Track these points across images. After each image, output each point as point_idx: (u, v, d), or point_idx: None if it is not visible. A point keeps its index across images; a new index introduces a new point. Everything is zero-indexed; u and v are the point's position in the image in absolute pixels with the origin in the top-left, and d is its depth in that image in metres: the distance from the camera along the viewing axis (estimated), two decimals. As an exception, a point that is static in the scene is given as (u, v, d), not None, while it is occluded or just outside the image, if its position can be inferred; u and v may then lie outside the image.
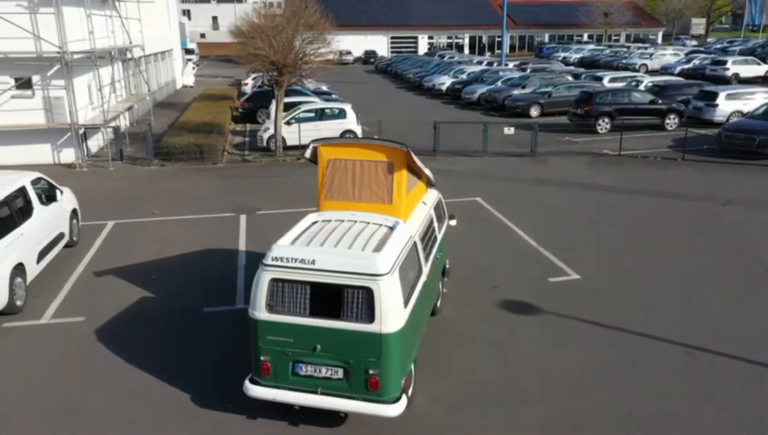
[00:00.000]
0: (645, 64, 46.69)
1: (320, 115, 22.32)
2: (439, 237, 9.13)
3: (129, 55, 25.82)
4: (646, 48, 55.96)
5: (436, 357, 8.46)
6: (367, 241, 6.94)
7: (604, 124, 24.26)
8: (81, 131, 19.70)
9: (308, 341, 6.56)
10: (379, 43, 72.41)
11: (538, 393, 7.73)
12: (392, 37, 73.60)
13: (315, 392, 6.65)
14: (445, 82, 38.04)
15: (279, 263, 6.61)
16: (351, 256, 6.56)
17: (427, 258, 8.05)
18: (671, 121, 24.73)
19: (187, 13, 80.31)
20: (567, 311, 9.77)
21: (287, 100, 24.52)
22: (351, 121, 22.14)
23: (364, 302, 6.39)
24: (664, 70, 42.83)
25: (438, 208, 9.45)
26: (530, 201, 15.74)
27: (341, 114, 22.26)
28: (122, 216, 14.63)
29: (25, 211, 10.29)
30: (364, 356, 6.45)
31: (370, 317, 6.37)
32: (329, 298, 6.52)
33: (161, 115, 29.19)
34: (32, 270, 10.20)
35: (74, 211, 12.54)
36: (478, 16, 76.12)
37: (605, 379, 8.00)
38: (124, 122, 24.08)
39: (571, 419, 7.20)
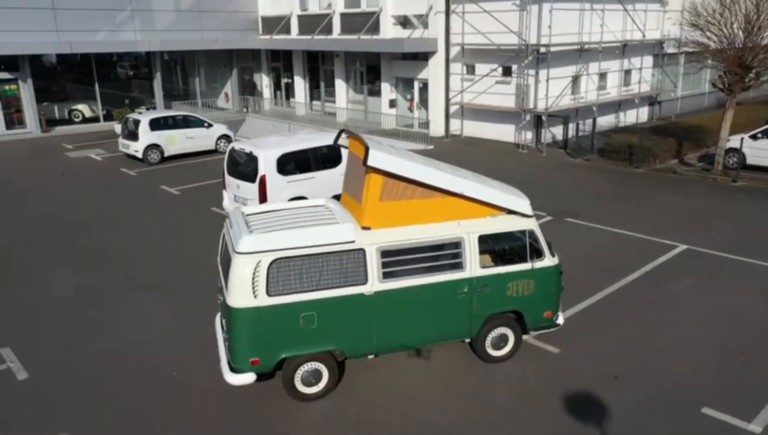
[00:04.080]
0: None
1: (803, 132, 16.86)
2: (482, 271, 7.55)
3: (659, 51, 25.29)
4: None
5: (396, 391, 7.57)
6: (282, 226, 7.25)
7: None
8: (527, 117, 21.59)
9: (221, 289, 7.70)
10: None
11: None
12: None
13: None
14: None
15: (227, 219, 7.91)
16: (241, 229, 7.19)
17: (391, 275, 7.22)
18: None
19: None
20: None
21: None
22: None
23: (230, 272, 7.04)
24: None
25: (499, 238, 7.70)
26: None
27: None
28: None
29: (331, 163, 13.72)
30: (227, 319, 7.17)
31: (227, 287, 7.01)
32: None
33: (687, 116, 27.10)
34: (320, 206, 13.68)
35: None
36: None
37: None
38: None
39: None
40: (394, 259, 7.30)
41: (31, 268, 11.56)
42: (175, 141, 20.11)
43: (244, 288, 6.83)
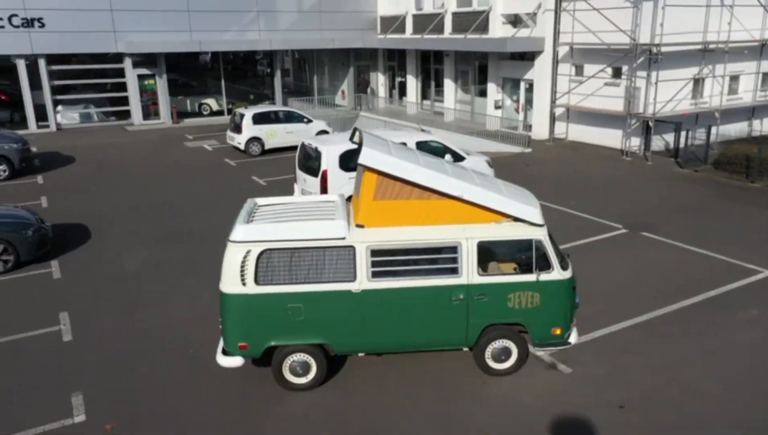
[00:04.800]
0: None
1: None
2: (480, 279, 7.25)
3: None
4: None
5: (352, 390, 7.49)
6: (280, 218, 7.46)
7: None
8: (634, 122, 19.99)
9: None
10: None
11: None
12: None
13: None
14: None
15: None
16: (240, 219, 7.46)
17: (380, 275, 7.16)
18: None
19: None
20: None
21: None
22: None
23: (227, 259, 7.37)
24: None
25: (502, 246, 7.35)
26: None
27: None
28: (549, 198, 15.54)
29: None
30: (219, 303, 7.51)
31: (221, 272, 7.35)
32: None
33: None
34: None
35: (477, 178, 14.89)
36: None
37: None
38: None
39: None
40: (385, 259, 7.23)
41: (117, 241, 12.85)
42: (275, 135, 21.21)
43: (234, 275, 7.13)
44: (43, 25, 24.92)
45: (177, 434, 6.81)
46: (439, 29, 27.10)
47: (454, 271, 7.31)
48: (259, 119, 21.15)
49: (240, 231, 7.16)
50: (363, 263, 7.19)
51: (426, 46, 27.58)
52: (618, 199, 15.33)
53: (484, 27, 24.78)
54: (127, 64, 27.08)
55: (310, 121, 22.22)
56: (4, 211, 11.92)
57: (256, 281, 7.13)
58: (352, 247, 7.19)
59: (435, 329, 7.49)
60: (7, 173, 18.07)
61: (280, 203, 8.27)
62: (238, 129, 21.16)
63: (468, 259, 7.29)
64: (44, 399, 7.46)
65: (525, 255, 7.50)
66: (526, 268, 7.49)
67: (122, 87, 27.70)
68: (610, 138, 21.46)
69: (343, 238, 7.19)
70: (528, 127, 23.76)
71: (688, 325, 8.89)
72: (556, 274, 7.44)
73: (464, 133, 23.17)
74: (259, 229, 7.17)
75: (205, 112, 30.24)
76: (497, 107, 25.39)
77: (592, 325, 8.92)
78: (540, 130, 23.34)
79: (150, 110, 28.29)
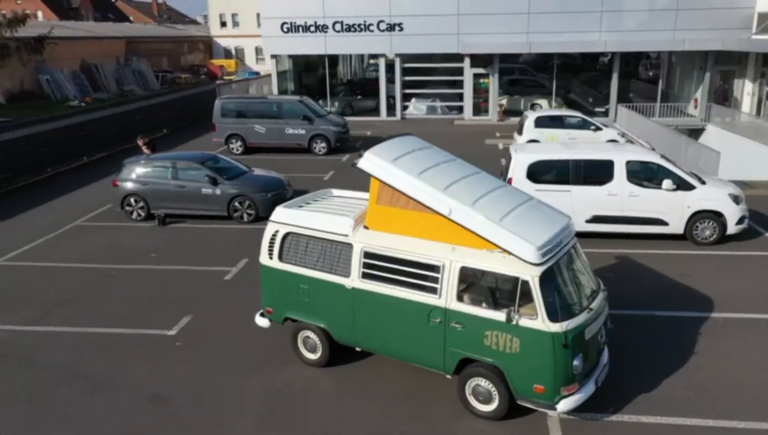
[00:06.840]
0: None
1: None
2: (457, 305, 6.73)
3: None
4: None
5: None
6: (318, 209, 8.22)
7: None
8: None
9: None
10: None
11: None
12: None
13: None
14: None
15: None
16: (287, 202, 8.48)
17: (370, 277, 7.34)
18: None
19: None
20: None
21: None
22: None
23: (277, 235, 8.54)
24: None
25: (487, 277, 6.65)
26: None
27: None
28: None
29: (598, 180, 12.31)
30: None
31: (262, 245, 8.58)
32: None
33: None
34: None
35: (711, 212, 12.10)
36: None
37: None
38: None
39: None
40: (375, 263, 7.41)
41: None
42: (556, 140, 20.56)
43: (266, 249, 8.33)
44: (401, 29, 29.25)
45: (212, 359, 8.46)
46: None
47: (433, 291, 7.00)
48: (541, 123, 20.89)
49: (277, 212, 8.30)
50: (356, 262, 7.51)
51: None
52: None
53: None
54: (466, 63, 29.53)
55: (599, 129, 20.81)
56: (260, 176, 15.38)
57: (280, 258, 8.18)
58: (351, 245, 7.58)
59: (414, 345, 7.32)
60: (325, 149, 22.43)
61: (346, 197, 9.03)
62: (521, 131, 21.33)
63: (449, 281, 6.88)
64: (167, 313, 10.01)
65: (509, 292, 6.63)
66: (504, 307, 6.62)
67: (461, 84, 30.39)
68: None
69: (346, 236, 7.64)
70: None
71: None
72: (540, 323, 6.38)
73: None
74: (290, 214, 8.18)
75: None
76: None
77: (657, 407, 7.07)
78: None
79: (481, 107, 30.31)
